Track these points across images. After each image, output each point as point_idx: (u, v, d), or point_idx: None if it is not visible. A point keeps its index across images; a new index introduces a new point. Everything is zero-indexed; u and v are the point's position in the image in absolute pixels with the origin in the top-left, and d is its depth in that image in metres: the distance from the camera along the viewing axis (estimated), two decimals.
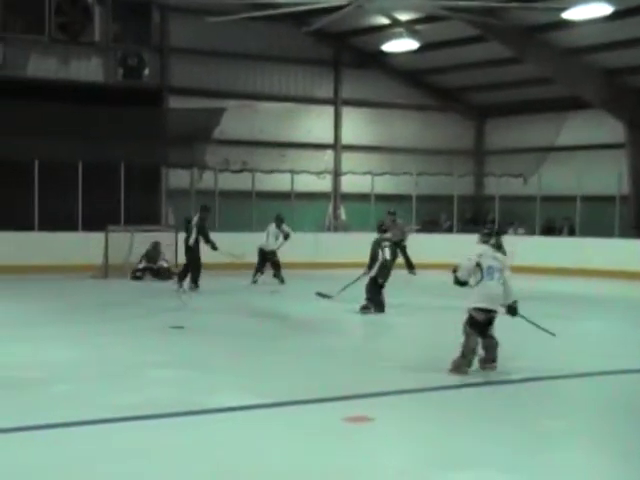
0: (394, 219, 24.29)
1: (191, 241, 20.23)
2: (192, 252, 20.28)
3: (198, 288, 20.22)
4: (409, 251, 24.54)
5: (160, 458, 7.05)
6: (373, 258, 16.39)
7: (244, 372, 10.63)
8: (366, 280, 16.53)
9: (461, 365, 10.45)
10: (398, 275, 20.97)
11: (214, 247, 20.27)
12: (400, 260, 22.62)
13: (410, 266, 24.79)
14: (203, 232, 20.24)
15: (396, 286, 18.51)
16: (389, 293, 16.74)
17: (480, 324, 10.59)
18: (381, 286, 16.45)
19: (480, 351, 10.65)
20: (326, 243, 27.58)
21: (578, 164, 27.58)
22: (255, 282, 21.86)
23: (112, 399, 8.95)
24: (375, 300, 16.38)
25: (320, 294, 18.31)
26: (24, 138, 25.09)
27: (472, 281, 10.87)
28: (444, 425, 8.27)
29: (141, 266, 23.13)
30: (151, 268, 23.15)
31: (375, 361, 11.77)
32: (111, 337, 13.35)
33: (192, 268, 20.37)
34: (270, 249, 22.14)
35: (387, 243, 16.64)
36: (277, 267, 22.23)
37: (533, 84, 29.24)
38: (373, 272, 16.35)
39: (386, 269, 16.44)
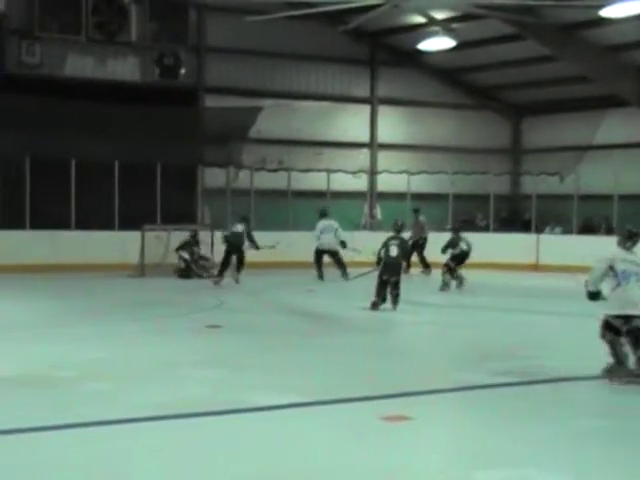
0: (417, 217, 24.42)
1: (244, 246, 21.82)
2: (243, 253, 21.82)
3: (221, 280, 21.45)
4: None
5: (196, 457, 7.04)
6: (379, 255, 16.77)
7: (280, 371, 10.62)
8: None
9: (618, 371, 10.07)
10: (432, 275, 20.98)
11: (258, 248, 21.77)
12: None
13: (425, 265, 24.79)
14: (251, 239, 21.79)
15: (430, 285, 18.58)
16: (428, 292, 16.82)
17: (618, 330, 10.06)
18: (385, 282, 16.57)
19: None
20: (362, 242, 27.51)
21: (615, 162, 27.34)
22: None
23: (147, 398, 8.96)
24: (379, 294, 16.55)
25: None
26: (61, 138, 25.24)
27: (606, 288, 10.18)
28: (482, 424, 8.23)
29: (185, 255, 23.25)
30: (192, 257, 23.26)
31: (410, 360, 11.75)
32: (147, 336, 13.39)
33: (239, 264, 21.86)
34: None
35: (395, 241, 16.84)
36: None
37: (570, 82, 29.04)
38: (379, 269, 16.70)
39: (390, 266, 16.57)
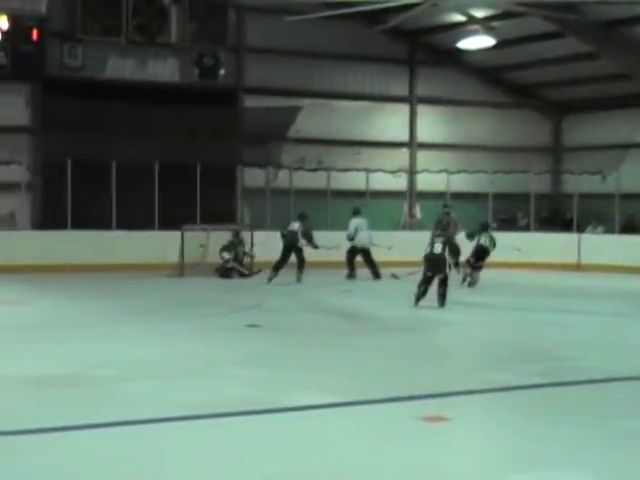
0: (448, 213, 24.13)
1: (299, 244, 22.19)
2: (301, 250, 22.18)
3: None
4: None
5: (230, 456, 7.05)
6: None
7: (319, 370, 10.63)
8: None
9: None
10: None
11: (316, 247, 22.21)
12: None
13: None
14: (308, 237, 22.15)
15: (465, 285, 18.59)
16: (464, 291, 16.82)
17: None
18: (430, 278, 16.76)
19: None
20: (401, 241, 27.47)
21: None
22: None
23: (187, 397, 8.99)
24: (420, 288, 16.74)
25: (393, 275, 20.93)
26: (102, 139, 25.46)
27: None
28: (520, 425, 8.18)
29: (227, 256, 23.33)
30: (235, 258, 23.38)
31: (447, 360, 11.73)
32: (186, 335, 13.44)
33: (299, 263, 22.20)
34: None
35: (439, 238, 16.98)
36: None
37: (612, 79, 28.81)
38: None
39: (433, 262, 16.70)
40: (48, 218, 25.66)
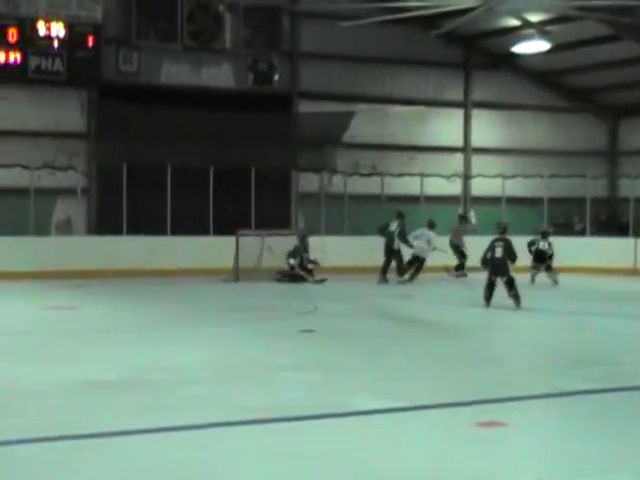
0: (463, 222, 25.89)
1: (396, 246, 22.67)
2: (397, 253, 22.68)
3: (407, 280, 22.86)
4: None
5: (296, 460, 7.04)
6: (485, 257, 17.76)
7: (375, 375, 10.59)
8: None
9: None
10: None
11: (411, 246, 22.85)
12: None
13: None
14: (403, 236, 22.65)
15: (524, 289, 18.47)
16: (523, 296, 16.84)
17: None
18: (493, 282, 17.41)
19: None
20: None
21: None
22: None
23: (245, 401, 8.99)
24: (486, 295, 17.40)
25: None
26: (157, 143, 25.64)
27: None
28: (578, 430, 8.08)
29: (292, 262, 23.39)
30: (301, 264, 23.47)
31: (505, 364, 11.62)
32: (241, 340, 13.45)
33: (397, 266, 22.74)
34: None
35: (500, 242, 17.44)
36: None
37: None
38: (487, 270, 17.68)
39: (497, 267, 17.27)
40: (104, 223, 25.88)
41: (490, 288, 17.38)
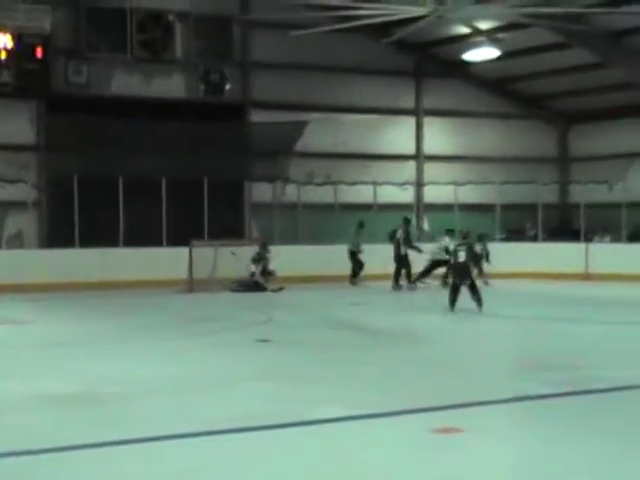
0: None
1: (402, 251, 23.04)
2: (404, 259, 23.01)
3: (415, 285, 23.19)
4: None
5: (254, 470, 7.02)
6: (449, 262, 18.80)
7: (332, 384, 10.58)
8: None
9: None
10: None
11: (419, 251, 23.18)
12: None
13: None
14: (408, 242, 23.08)
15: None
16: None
17: None
18: (458, 286, 17.90)
19: None
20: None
21: None
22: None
23: (203, 413, 8.95)
24: (450, 299, 17.88)
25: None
26: (108, 155, 25.44)
27: None
28: (535, 436, 8.09)
29: (254, 269, 23.36)
30: (263, 271, 23.40)
31: (463, 370, 11.63)
32: (197, 352, 13.41)
33: (406, 272, 23.08)
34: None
35: (462, 247, 18.10)
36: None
37: (618, 89, 28.80)
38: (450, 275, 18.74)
39: (459, 270, 17.91)
40: (56, 236, 25.64)
41: (454, 292, 17.87)
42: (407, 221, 23.55)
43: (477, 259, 18.42)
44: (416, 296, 22.16)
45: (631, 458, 7.38)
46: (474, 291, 17.72)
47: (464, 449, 7.69)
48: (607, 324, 16.51)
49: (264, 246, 23.92)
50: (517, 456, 7.53)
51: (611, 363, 12.05)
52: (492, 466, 7.25)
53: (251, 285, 23.24)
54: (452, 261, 18.15)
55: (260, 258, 23.57)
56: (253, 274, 23.45)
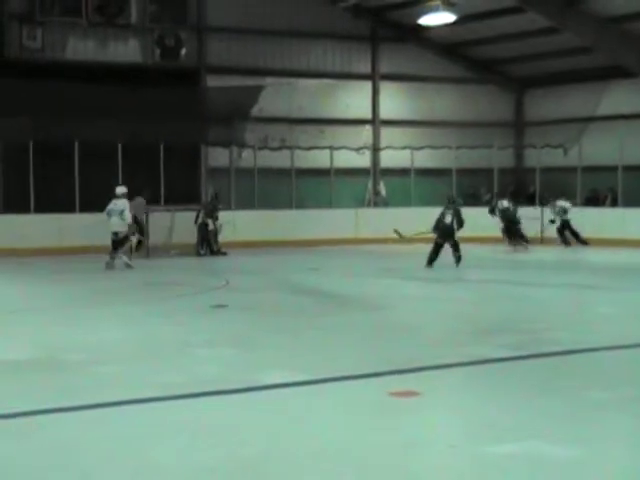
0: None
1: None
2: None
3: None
4: None
5: (212, 436, 7.06)
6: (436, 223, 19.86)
7: (288, 349, 10.65)
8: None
9: None
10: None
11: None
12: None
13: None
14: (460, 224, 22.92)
15: (439, 260, 18.80)
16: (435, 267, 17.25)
17: None
18: (440, 245, 19.56)
19: None
20: (366, 219, 27.57)
21: (620, 134, 27.24)
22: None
23: (159, 378, 8.98)
24: (431, 256, 19.55)
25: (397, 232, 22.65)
26: (64, 121, 25.23)
27: None
28: (490, 398, 8.22)
29: (211, 225, 23.40)
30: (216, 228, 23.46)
31: (418, 335, 11.73)
32: (154, 317, 13.40)
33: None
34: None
35: (449, 210, 19.67)
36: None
37: (573, 54, 28.94)
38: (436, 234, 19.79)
39: (444, 230, 19.52)
40: (11, 202, 25.45)
41: (436, 250, 19.47)
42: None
43: (460, 223, 19.44)
44: (376, 261, 22.25)
45: (574, 417, 7.55)
46: (456, 249, 19.53)
47: (420, 412, 7.78)
48: (562, 287, 16.71)
49: (216, 197, 24.00)
50: (471, 419, 7.61)
51: (566, 326, 12.23)
52: (447, 429, 7.34)
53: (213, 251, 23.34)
54: (438, 222, 19.56)
55: (214, 209, 23.57)
56: (210, 231, 23.39)
